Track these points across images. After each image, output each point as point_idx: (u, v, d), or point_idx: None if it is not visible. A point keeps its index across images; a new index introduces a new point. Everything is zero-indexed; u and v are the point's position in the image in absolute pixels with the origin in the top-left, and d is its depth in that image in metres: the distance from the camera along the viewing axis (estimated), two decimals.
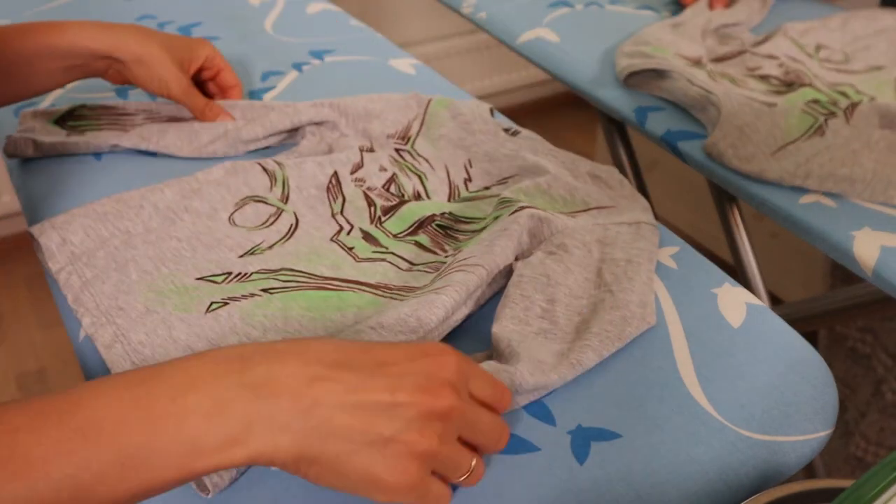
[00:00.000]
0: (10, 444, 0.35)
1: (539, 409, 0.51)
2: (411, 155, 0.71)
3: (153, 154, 0.73)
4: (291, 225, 0.64)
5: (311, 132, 0.74)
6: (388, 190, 0.67)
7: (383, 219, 0.65)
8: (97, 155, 0.73)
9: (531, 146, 0.70)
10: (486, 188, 0.68)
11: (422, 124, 0.74)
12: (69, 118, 0.76)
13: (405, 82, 0.86)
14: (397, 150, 0.72)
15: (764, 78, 0.84)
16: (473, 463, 0.43)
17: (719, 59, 0.87)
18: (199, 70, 0.77)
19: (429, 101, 0.75)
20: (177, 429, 0.37)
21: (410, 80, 0.87)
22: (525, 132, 0.72)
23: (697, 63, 0.86)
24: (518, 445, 0.48)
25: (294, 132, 0.76)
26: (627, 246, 0.59)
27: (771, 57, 0.86)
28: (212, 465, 0.37)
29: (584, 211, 0.64)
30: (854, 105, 0.75)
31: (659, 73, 0.82)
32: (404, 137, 0.73)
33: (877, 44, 0.92)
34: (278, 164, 0.68)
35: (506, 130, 0.73)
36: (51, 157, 0.73)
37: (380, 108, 0.75)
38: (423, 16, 2.12)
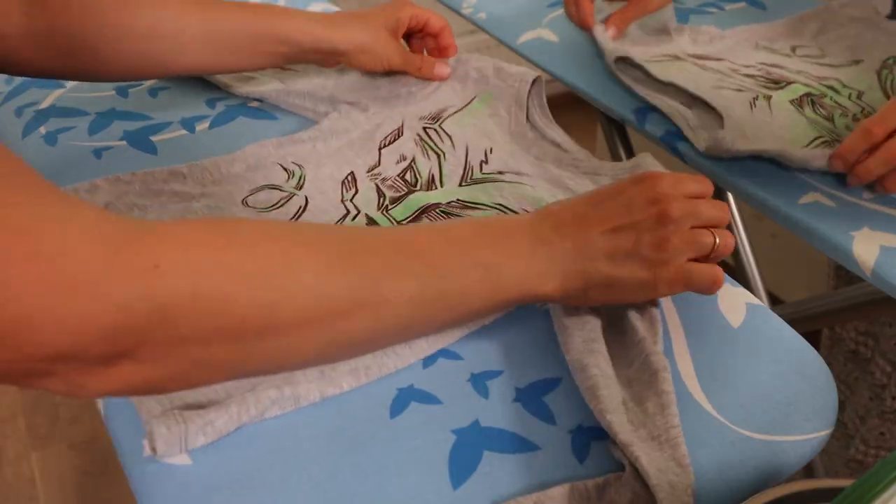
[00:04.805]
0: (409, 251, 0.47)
1: (539, 409, 0.51)
2: (437, 133, 0.73)
3: (153, 153, 0.74)
4: (300, 207, 0.65)
5: (339, 109, 0.76)
6: (402, 177, 0.68)
7: (390, 207, 0.66)
8: (97, 153, 0.74)
9: (556, 156, 0.70)
10: (500, 173, 0.69)
11: (456, 112, 0.76)
12: None
13: None
14: (424, 129, 0.73)
15: (749, 76, 0.84)
16: (716, 239, 0.51)
17: (699, 58, 0.87)
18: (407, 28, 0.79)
19: (472, 98, 0.77)
20: (513, 260, 0.49)
21: None
22: (552, 137, 0.73)
23: (677, 58, 0.86)
24: (518, 445, 0.49)
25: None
26: None
27: (748, 66, 0.86)
28: (536, 290, 0.49)
29: None
30: None
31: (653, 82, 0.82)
32: (435, 118, 0.75)
33: (844, 37, 0.91)
34: (298, 165, 0.70)
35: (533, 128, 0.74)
36: (53, 158, 0.73)
37: (422, 96, 0.78)
38: None
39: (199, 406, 0.48)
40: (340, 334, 0.43)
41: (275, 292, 0.40)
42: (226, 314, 0.39)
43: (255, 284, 0.40)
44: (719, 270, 0.51)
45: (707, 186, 0.54)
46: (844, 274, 1.07)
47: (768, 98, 0.79)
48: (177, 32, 0.67)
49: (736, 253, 1.04)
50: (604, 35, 0.88)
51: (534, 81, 0.75)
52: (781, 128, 0.75)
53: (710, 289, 0.51)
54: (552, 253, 0.50)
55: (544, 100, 0.76)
